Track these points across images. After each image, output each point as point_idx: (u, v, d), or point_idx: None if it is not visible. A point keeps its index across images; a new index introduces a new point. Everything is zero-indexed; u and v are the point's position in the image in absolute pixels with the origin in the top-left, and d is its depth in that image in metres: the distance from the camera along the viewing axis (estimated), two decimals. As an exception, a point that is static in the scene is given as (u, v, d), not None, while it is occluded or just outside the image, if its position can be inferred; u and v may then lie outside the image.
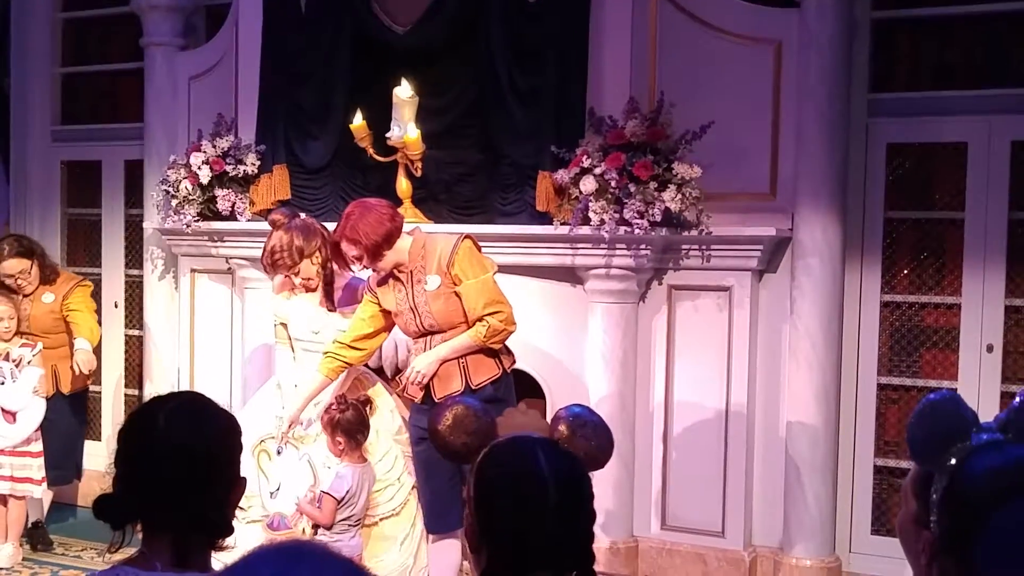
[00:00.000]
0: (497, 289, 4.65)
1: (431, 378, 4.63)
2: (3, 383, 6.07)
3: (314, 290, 5.23)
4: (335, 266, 5.05)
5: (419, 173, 5.73)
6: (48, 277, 6.46)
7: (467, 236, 4.69)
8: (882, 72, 5.49)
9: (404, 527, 5.06)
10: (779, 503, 5.41)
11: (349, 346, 4.89)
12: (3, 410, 6.07)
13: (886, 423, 5.52)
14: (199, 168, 6.25)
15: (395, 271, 4.71)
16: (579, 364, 5.59)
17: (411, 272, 4.67)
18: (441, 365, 4.62)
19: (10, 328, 6.16)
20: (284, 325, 5.34)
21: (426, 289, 4.62)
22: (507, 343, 4.73)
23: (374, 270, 4.76)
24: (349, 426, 4.83)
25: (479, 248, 4.70)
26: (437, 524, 4.84)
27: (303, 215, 5.40)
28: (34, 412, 6.15)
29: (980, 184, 5.23)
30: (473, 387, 4.54)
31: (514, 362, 4.82)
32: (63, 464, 6.53)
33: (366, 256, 4.63)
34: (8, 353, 6.12)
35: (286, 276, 5.21)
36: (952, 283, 5.36)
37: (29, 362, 6.14)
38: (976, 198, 5.24)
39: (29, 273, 6.35)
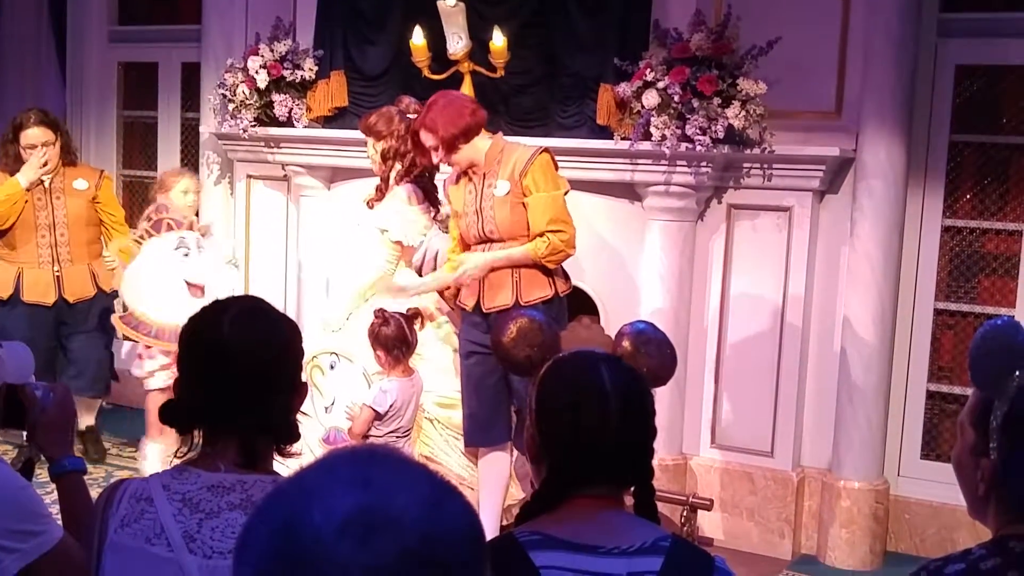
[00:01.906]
0: (565, 209, 4.60)
1: (481, 285, 4.62)
2: (187, 254, 5.63)
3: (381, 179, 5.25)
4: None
5: (501, 73, 5.55)
6: (70, 159, 6.21)
7: (545, 149, 4.65)
8: (953, -9, 5.36)
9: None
10: (830, 425, 5.40)
11: (455, 249, 4.90)
12: (189, 284, 5.62)
13: (941, 348, 5.48)
14: (256, 72, 6.20)
15: (470, 171, 4.68)
16: (634, 282, 5.56)
17: (484, 174, 4.64)
18: (490, 271, 4.60)
19: (193, 206, 5.95)
20: None
21: (494, 194, 4.58)
22: (564, 267, 4.70)
23: (448, 164, 4.73)
24: (387, 340, 4.81)
25: (556, 166, 4.65)
26: (483, 438, 4.86)
27: (412, 117, 5.18)
28: (225, 284, 5.65)
29: (1050, 108, 5.12)
30: (522, 303, 4.48)
31: (568, 288, 4.77)
32: (100, 374, 6.31)
33: (441, 147, 4.59)
34: (193, 223, 5.76)
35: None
36: (1015, 209, 5.28)
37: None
38: (1045, 123, 5.13)
39: (52, 147, 6.00)
